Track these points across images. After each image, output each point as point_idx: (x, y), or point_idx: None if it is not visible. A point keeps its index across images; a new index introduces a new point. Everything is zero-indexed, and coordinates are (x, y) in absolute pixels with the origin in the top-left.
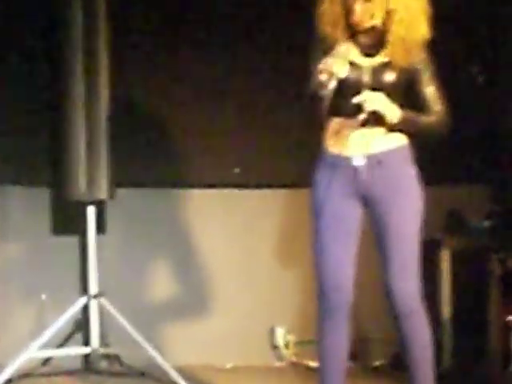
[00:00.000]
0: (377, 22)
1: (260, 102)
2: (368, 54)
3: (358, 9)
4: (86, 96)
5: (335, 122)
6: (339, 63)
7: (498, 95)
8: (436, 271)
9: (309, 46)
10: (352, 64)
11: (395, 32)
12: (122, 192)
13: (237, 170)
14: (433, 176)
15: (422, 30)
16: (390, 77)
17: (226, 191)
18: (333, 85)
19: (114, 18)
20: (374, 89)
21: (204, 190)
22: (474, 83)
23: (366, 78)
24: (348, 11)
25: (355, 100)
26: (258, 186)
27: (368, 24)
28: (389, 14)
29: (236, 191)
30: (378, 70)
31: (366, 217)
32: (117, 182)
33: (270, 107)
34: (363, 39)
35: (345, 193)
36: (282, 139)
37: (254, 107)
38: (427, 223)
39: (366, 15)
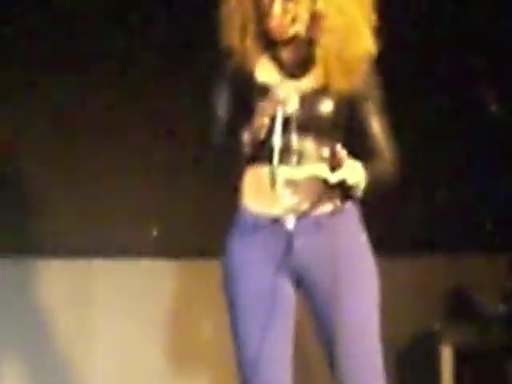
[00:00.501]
0: (300, 28)
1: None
2: (292, 75)
3: (277, 9)
4: None
5: (254, 172)
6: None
7: None
8: (433, 375)
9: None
10: (271, 91)
11: (327, 45)
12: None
13: (154, 233)
14: (429, 243)
15: (364, 42)
16: (325, 107)
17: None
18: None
19: None
20: (303, 124)
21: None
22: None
23: (293, 110)
24: (262, 13)
25: (333, 180)
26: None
27: (290, 31)
28: (316, 18)
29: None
30: (308, 98)
31: (300, 298)
32: None
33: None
34: (285, 53)
35: (271, 266)
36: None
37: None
38: (420, 309)
39: (287, 18)
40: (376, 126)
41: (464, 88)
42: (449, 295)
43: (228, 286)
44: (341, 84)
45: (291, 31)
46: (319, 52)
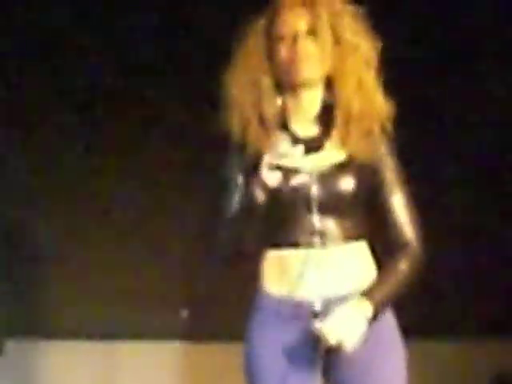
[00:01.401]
0: (326, 70)
1: None
2: (309, 148)
3: (307, 44)
4: None
5: (276, 255)
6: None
7: None
8: None
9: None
10: (288, 169)
11: (347, 104)
12: (13, 345)
13: (184, 313)
14: (471, 325)
15: (379, 101)
16: (346, 184)
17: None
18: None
19: None
20: (324, 203)
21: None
22: None
23: (314, 189)
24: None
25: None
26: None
27: (316, 72)
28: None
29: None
30: (328, 175)
31: None
32: (6, 333)
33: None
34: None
35: (295, 354)
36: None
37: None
38: None
39: (312, 58)
40: (398, 208)
41: None
42: (497, 380)
43: (250, 373)
44: (360, 153)
45: (317, 72)
46: (337, 113)
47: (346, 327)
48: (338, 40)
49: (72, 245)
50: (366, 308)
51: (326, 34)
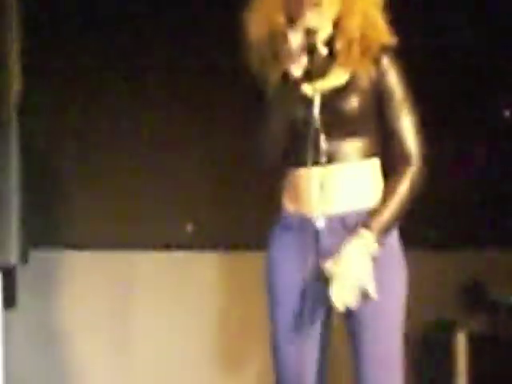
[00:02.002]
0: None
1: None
2: (315, 71)
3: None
4: None
5: (290, 175)
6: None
7: None
8: (449, 361)
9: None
10: (297, 92)
11: (350, 28)
12: (37, 255)
13: (189, 228)
14: (444, 239)
15: (382, 31)
16: (350, 104)
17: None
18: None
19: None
20: (330, 124)
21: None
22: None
23: (317, 111)
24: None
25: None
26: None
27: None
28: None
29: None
30: (331, 97)
31: None
32: (31, 243)
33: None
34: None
35: (304, 263)
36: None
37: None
38: (436, 299)
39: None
40: (403, 126)
41: None
42: (465, 287)
43: (266, 278)
44: (363, 66)
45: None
46: (343, 37)
47: (353, 281)
48: None
49: (93, 165)
50: (369, 243)
51: None
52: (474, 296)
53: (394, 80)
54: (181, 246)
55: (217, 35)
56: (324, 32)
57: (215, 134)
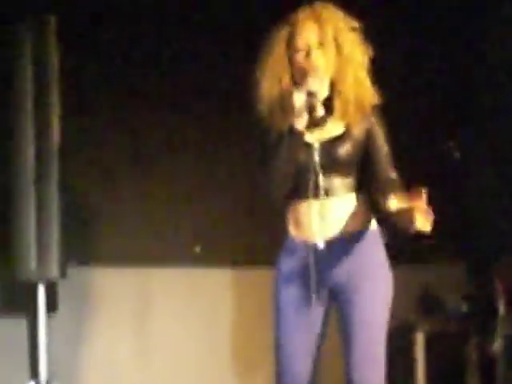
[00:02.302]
0: (330, 71)
1: (220, 177)
2: (316, 125)
3: (317, 55)
4: (36, 172)
5: (294, 207)
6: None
7: (472, 172)
8: (409, 357)
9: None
10: (299, 138)
11: (347, 90)
12: (73, 270)
13: (198, 249)
14: (406, 253)
15: (370, 89)
16: (344, 151)
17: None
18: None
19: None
20: (327, 166)
21: (165, 269)
22: (450, 159)
23: (317, 156)
24: (295, 65)
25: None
26: (220, 265)
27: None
28: (342, 66)
29: (198, 270)
30: (328, 145)
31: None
32: (68, 260)
33: (231, 184)
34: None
35: (306, 282)
36: (245, 216)
37: (214, 183)
38: (399, 305)
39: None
40: (383, 157)
41: None
42: (422, 295)
43: (273, 295)
44: (356, 120)
45: (324, 73)
46: (339, 99)
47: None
48: (339, 51)
49: (117, 192)
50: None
51: (331, 48)
52: (430, 303)
53: (379, 131)
54: (191, 263)
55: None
56: (323, 93)
57: (225, 175)
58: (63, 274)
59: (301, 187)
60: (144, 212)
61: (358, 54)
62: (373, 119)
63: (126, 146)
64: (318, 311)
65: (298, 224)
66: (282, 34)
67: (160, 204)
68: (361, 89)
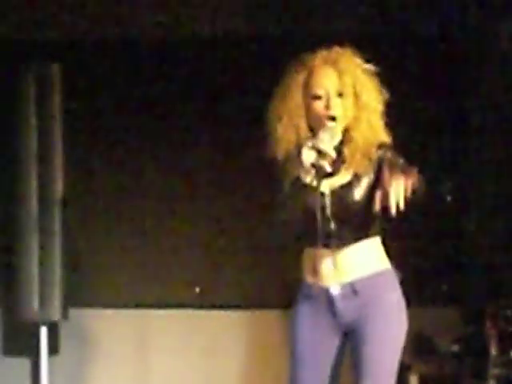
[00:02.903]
0: (346, 120)
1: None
2: (326, 175)
3: (337, 105)
4: (39, 210)
5: (307, 253)
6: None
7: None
8: None
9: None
10: (310, 188)
11: (357, 140)
12: (75, 312)
13: (198, 290)
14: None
15: (381, 132)
16: (353, 198)
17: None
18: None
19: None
20: (338, 213)
21: (164, 311)
22: (443, 202)
23: (328, 204)
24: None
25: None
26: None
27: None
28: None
29: (198, 312)
30: (338, 192)
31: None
32: (70, 302)
33: (234, 228)
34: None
35: (322, 324)
36: (245, 259)
37: (214, 225)
38: None
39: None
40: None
41: None
42: (416, 338)
43: (290, 336)
44: (363, 167)
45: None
46: (349, 146)
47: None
48: (357, 99)
49: (114, 236)
50: None
51: (349, 97)
52: (424, 345)
53: (388, 158)
54: (190, 305)
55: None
56: (335, 141)
57: (225, 218)
58: (65, 316)
59: (312, 234)
60: (144, 254)
61: (374, 101)
62: (380, 155)
63: (126, 185)
64: (331, 348)
65: (312, 270)
66: (299, 78)
67: (161, 245)
68: (371, 133)
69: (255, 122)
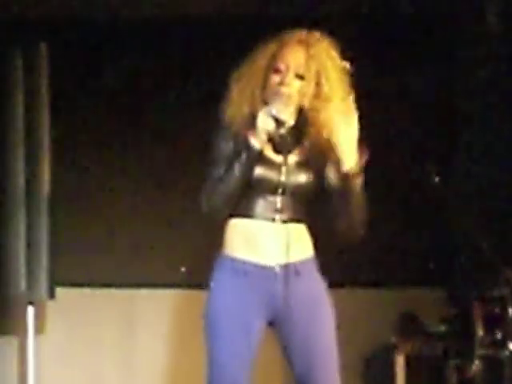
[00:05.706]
0: (305, 102)
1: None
2: (281, 150)
3: (293, 84)
4: (26, 190)
5: (242, 225)
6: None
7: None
8: (390, 377)
9: (213, 134)
10: (267, 160)
11: (314, 124)
12: (62, 292)
13: (183, 270)
14: (386, 278)
15: (335, 130)
16: (303, 178)
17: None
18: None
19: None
20: (287, 190)
21: (149, 290)
22: (430, 183)
23: (283, 178)
24: (273, 85)
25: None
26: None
27: (296, 100)
28: (319, 100)
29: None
30: (293, 170)
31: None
32: (57, 282)
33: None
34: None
35: (252, 304)
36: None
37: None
38: (381, 327)
39: (296, 91)
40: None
41: None
42: (403, 318)
43: (215, 319)
44: (316, 163)
45: (297, 101)
46: (304, 130)
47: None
48: (318, 89)
49: (100, 216)
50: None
51: (309, 84)
52: (410, 325)
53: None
54: (175, 285)
55: None
56: (290, 122)
57: None
58: (52, 296)
59: (256, 206)
60: (130, 234)
61: (336, 97)
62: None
63: (113, 165)
64: (258, 331)
65: (246, 245)
66: (269, 50)
67: (147, 226)
68: (325, 128)
69: None
